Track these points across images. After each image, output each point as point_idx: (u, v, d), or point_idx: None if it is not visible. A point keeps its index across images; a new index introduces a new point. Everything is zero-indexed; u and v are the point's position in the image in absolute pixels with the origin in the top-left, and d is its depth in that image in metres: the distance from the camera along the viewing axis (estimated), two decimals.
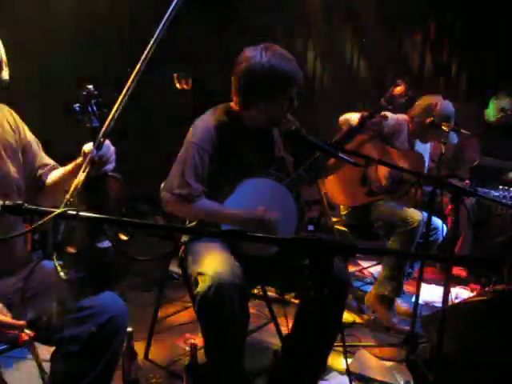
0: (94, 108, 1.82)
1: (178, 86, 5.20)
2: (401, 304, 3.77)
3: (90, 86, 1.84)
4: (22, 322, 1.70)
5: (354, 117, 3.30)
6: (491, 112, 4.57)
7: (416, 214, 3.47)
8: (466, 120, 4.26)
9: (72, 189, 1.65)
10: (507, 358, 2.40)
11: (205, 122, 2.50)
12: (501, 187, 3.76)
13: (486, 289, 3.72)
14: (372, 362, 3.03)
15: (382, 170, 3.62)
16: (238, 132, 2.52)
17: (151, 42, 1.72)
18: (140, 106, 4.25)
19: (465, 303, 2.98)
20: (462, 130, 3.61)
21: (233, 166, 2.47)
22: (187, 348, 2.99)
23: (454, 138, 3.71)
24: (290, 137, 2.43)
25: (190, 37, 5.08)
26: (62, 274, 1.76)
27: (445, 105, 3.67)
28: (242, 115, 2.54)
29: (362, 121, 2.73)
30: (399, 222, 3.48)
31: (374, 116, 2.74)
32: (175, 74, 5.18)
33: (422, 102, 3.72)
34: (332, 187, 3.72)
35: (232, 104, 2.57)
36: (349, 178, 3.61)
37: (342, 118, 3.48)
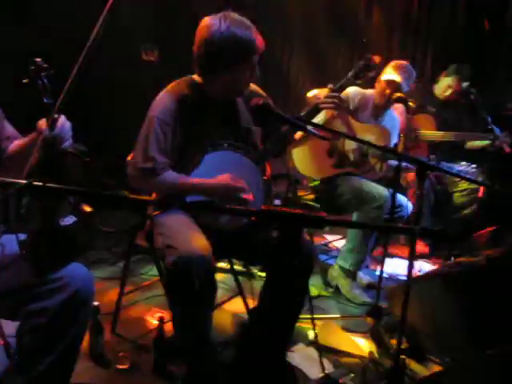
0: (45, 81, 1.77)
1: (144, 57, 5.12)
2: (364, 277, 3.83)
3: (39, 59, 1.79)
4: None
5: (322, 92, 3.30)
6: (439, 89, 4.64)
7: (383, 191, 3.52)
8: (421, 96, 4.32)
9: (27, 168, 1.62)
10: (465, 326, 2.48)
11: (167, 96, 2.47)
12: (463, 163, 3.84)
13: (448, 262, 3.80)
14: (337, 333, 3.09)
15: (349, 144, 3.65)
16: (202, 104, 2.50)
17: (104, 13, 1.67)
18: (104, 77, 4.18)
19: (426, 276, 3.06)
20: (429, 107, 3.66)
21: (198, 138, 2.45)
22: (154, 321, 2.99)
23: None
24: (259, 111, 2.42)
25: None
26: (25, 252, 1.74)
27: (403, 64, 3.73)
28: (205, 87, 2.52)
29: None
30: (366, 197, 3.52)
31: (341, 90, 2.75)
32: (141, 46, 5.10)
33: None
34: (299, 159, 3.72)
35: (195, 76, 2.55)
36: (316, 150, 3.63)
37: (310, 93, 3.49)
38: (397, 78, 3.63)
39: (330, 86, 2.76)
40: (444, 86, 4.61)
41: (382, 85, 3.71)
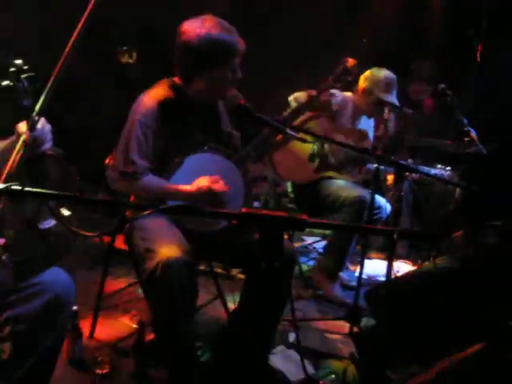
0: (25, 83, 1.76)
1: (121, 59, 5.08)
2: (344, 278, 3.85)
3: (19, 61, 1.77)
4: None
5: (302, 95, 3.33)
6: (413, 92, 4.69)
7: (363, 194, 3.52)
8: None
9: (6, 171, 1.60)
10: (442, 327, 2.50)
11: (148, 98, 2.46)
12: (439, 166, 3.87)
13: (426, 262, 3.83)
14: (317, 335, 3.09)
15: (333, 147, 3.66)
16: (183, 106, 2.49)
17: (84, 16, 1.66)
18: (83, 79, 4.14)
19: (404, 277, 3.08)
20: (405, 109, 3.69)
21: (179, 141, 2.45)
22: (134, 325, 2.96)
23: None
24: (238, 113, 2.43)
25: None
26: (3, 257, 1.72)
27: (385, 72, 3.75)
28: (186, 89, 2.51)
29: (310, 99, 2.75)
30: (347, 201, 3.53)
31: (321, 94, 2.77)
32: (118, 48, 5.06)
33: (366, 72, 3.79)
34: (280, 164, 3.70)
35: (176, 78, 2.54)
36: (297, 154, 3.63)
37: (291, 96, 3.51)
38: (396, 101, 3.66)
39: (313, 92, 2.78)
40: (418, 89, 4.66)
41: (373, 100, 3.72)
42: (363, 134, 3.75)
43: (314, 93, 2.77)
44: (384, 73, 3.75)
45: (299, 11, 5.71)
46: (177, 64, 2.46)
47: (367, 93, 3.75)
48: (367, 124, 3.92)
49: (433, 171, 3.89)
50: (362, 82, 3.79)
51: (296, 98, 3.42)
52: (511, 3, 4.60)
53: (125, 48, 5.11)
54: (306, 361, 2.70)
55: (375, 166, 2.95)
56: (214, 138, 2.55)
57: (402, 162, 2.40)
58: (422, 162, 4.11)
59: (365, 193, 3.53)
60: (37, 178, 1.82)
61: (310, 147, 3.51)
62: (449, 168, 3.93)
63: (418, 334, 2.66)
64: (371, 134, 3.88)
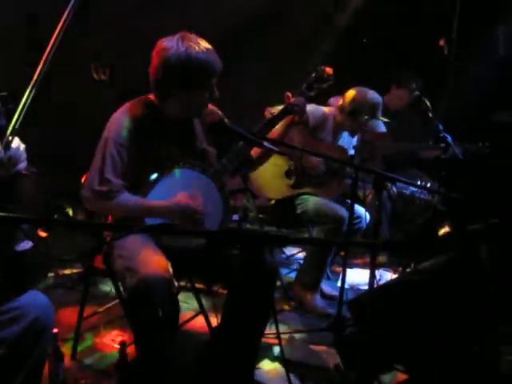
0: None
1: (95, 76, 5.05)
2: (325, 289, 3.85)
3: None
4: None
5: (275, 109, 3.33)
6: (391, 101, 4.71)
7: (341, 212, 3.53)
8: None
9: None
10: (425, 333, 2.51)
11: (122, 116, 2.43)
12: (418, 182, 3.89)
13: (408, 270, 3.85)
14: (302, 347, 3.08)
15: (312, 160, 3.65)
16: (158, 124, 2.47)
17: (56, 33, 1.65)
18: (57, 96, 4.11)
19: (386, 285, 3.08)
20: (381, 118, 3.71)
21: (154, 158, 2.42)
22: (115, 345, 2.92)
23: (380, 126, 3.79)
24: (214, 128, 2.42)
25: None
26: None
27: (372, 95, 3.74)
28: (161, 108, 2.49)
29: (285, 108, 2.75)
30: (324, 218, 3.53)
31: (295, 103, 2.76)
32: (92, 64, 5.02)
33: (351, 92, 3.76)
34: (256, 181, 3.69)
35: (150, 96, 2.52)
36: (273, 170, 3.62)
37: (267, 111, 3.50)
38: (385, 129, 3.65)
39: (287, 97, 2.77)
40: (396, 97, 4.70)
41: (364, 126, 3.71)
42: (343, 150, 3.73)
43: (288, 102, 2.76)
44: (371, 96, 3.72)
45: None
46: (153, 83, 2.44)
47: (353, 114, 3.70)
48: (349, 141, 3.91)
49: (412, 189, 3.92)
50: (348, 104, 3.72)
51: (269, 110, 3.42)
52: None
53: (98, 64, 5.08)
54: (291, 374, 2.68)
55: (354, 174, 2.95)
56: (189, 154, 2.53)
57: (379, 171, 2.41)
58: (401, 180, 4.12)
59: (342, 210, 3.53)
60: (11, 198, 1.79)
61: (285, 162, 3.50)
62: (429, 183, 3.97)
63: (400, 341, 2.67)
64: (351, 149, 3.86)
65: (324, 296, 3.79)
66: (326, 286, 3.87)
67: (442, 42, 4.35)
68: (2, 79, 1.83)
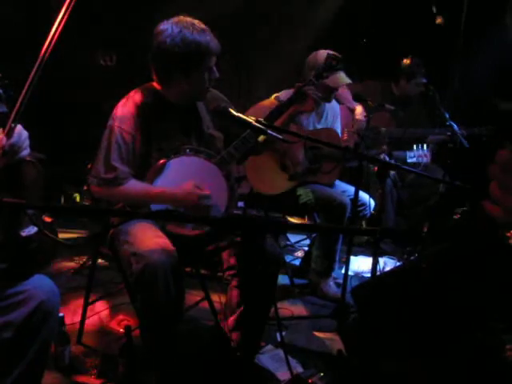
0: (1, 91, 1.75)
1: (102, 62, 5.06)
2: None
3: None
4: None
5: (284, 94, 3.33)
6: (410, 88, 4.66)
7: (344, 199, 3.51)
8: (374, 96, 4.33)
9: None
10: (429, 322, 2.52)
11: (127, 104, 2.45)
12: (414, 146, 3.87)
13: (412, 258, 3.86)
14: (305, 333, 3.10)
15: (296, 156, 3.56)
16: (163, 110, 2.49)
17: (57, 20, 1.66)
18: (63, 83, 4.12)
19: (389, 272, 3.09)
20: (388, 106, 3.69)
21: (159, 145, 2.44)
22: (121, 330, 2.95)
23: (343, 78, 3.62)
24: (219, 115, 2.42)
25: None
26: None
27: (321, 53, 3.46)
28: (164, 93, 2.50)
29: (294, 95, 2.75)
30: (327, 206, 3.51)
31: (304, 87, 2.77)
32: (99, 51, 5.04)
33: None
34: (253, 177, 3.57)
35: (154, 83, 2.53)
36: (267, 165, 3.53)
37: (273, 96, 3.48)
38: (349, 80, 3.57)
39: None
40: (402, 86, 4.65)
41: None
42: (332, 131, 3.67)
43: (300, 84, 2.75)
44: (320, 53, 3.46)
45: None
46: (152, 68, 2.46)
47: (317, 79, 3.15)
48: (333, 110, 3.80)
49: (407, 153, 3.90)
50: (308, 74, 3.36)
51: (278, 96, 3.41)
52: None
53: (105, 51, 5.09)
54: (294, 359, 2.70)
55: (357, 164, 2.94)
56: (195, 140, 2.55)
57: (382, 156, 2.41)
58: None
59: (346, 198, 3.51)
60: (15, 185, 1.80)
61: (279, 156, 3.45)
62: (425, 147, 3.95)
63: (405, 329, 2.68)
64: (339, 130, 3.79)
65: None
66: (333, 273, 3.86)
67: (438, 20, 4.29)
68: (4, 66, 1.83)
